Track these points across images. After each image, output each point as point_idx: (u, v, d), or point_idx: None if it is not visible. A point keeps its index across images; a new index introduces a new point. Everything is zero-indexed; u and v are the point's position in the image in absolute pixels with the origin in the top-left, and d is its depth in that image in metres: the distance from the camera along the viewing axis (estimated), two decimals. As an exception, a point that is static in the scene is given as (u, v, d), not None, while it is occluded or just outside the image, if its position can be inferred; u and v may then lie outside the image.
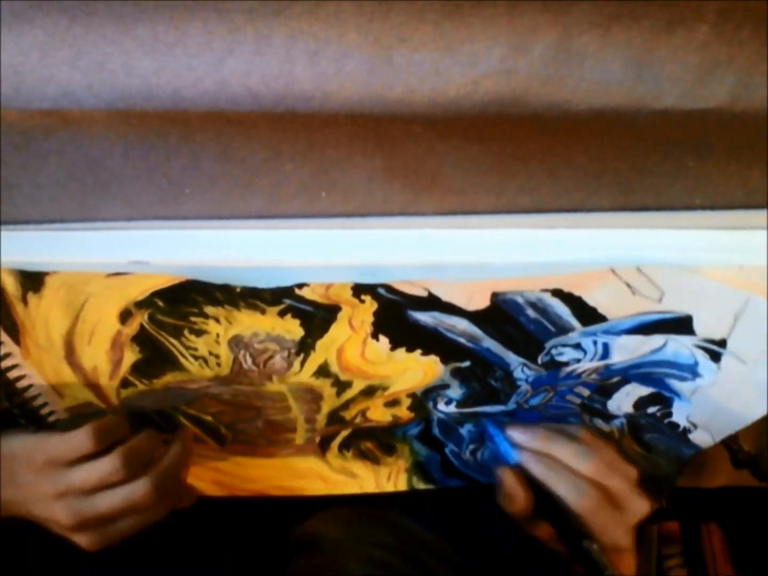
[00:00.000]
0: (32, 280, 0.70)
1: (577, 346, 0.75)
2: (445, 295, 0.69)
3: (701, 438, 0.85)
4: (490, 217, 0.67)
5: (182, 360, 0.79)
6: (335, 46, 0.52)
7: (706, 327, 0.70)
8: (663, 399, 0.82)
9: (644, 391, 0.82)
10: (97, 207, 0.66)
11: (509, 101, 0.55)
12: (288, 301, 0.71)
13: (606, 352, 0.76)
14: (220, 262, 0.67)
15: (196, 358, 0.78)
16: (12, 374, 0.78)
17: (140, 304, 0.72)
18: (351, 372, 0.80)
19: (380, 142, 0.61)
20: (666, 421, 0.85)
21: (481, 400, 0.85)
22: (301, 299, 0.70)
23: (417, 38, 0.51)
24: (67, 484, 0.79)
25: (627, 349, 0.75)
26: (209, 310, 0.73)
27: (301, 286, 0.69)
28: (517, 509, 0.86)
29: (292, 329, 0.74)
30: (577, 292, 0.68)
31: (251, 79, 0.54)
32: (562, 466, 0.84)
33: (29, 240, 0.68)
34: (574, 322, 0.72)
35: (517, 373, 0.81)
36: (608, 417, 0.87)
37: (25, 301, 0.71)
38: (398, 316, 0.72)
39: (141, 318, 0.74)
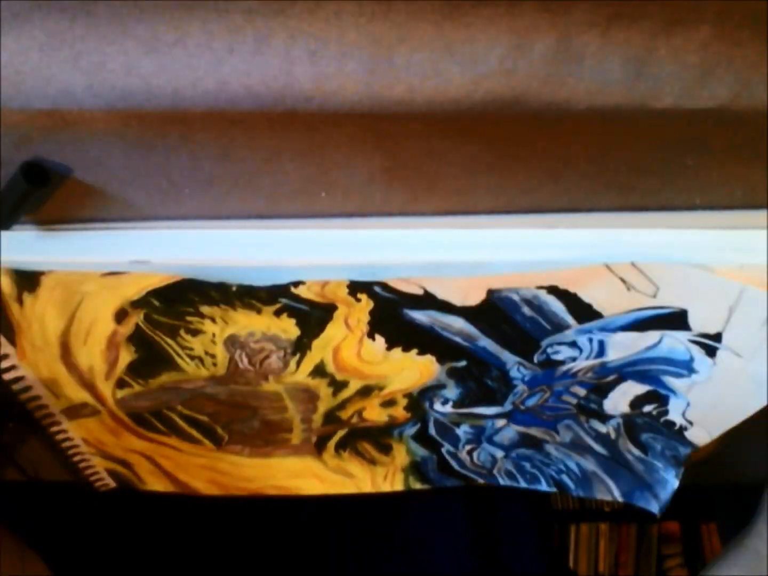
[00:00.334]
0: (28, 280, 0.70)
1: (573, 344, 0.76)
2: (441, 293, 0.70)
3: (698, 435, 0.85)
4: (490, 216, 0.67)
5: (178, 360, 0.79)
6: (335, 45, 0.53)
7: (701, 321, 0.71)
8: (659, 397, 0.83)
9: (640, 389, 0.82)
10: (97, 207, 0.67)
11: (509, 101, 0.56)
12: (284, 300, 0.71)
13: (602, 350, 0.76)
14: (219, 261, 0.68)
15: (192, 357, 0.79)
16: (8, 376, 0.79)
17: (136, 304, 0.72)
18: (347, 372, 0.81)
19: (380, 143, 0.62)
20: (662, 419, 0.85)
21: (477, 401, 0.86)
22: (297, 298, 0.71)
23: (417, 38, 0.52)
24: None
25: (622, 346, 0.75)
26: (205, 309, 0.73)
27: (297, 284, 0.69)
28: None
29: (288, 329, 0.75)
30: (572, 289, 0.69)
31: (251, 78, 0.55)
32: None
33: (29, 240, 0.68)
34: (570, 319, 0.72)
35: (513, 373, 0.81)
36: (604, 417, 0.88)
37: (20, 301, 0.72)
38: (394, 314, 0.73)
39: (137, 317, 0.74)
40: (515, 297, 0.71)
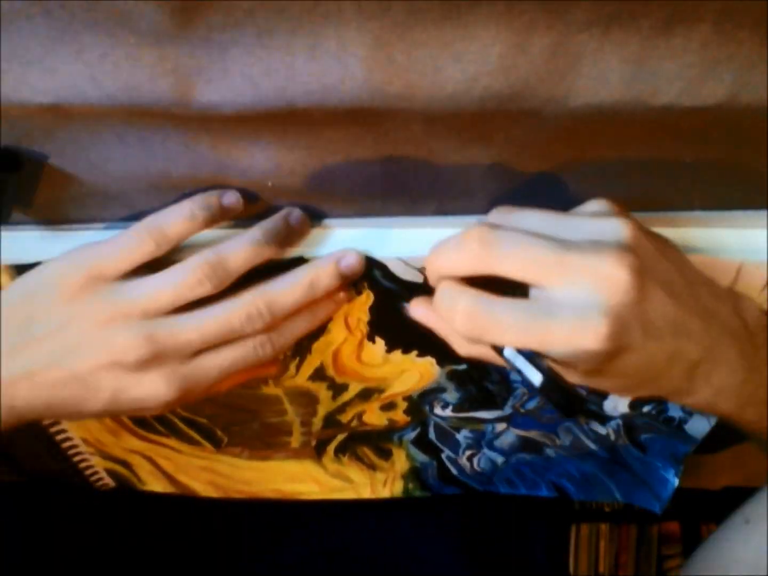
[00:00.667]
0: None
1: None
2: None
3: (698, 426, 0.85)
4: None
5: None
6: (335, 42, 0.52)
7: None
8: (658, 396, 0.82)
9: None
10: (97, 207, 0.67)
11: (507, 97, 0.56)
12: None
13: None
14: None
15: None
16: None
17: None
18: (347, 375, 0.81)
19: (379, 148, 0.62)
20: (661, 417, 0.85)
21: (477, 405, 0.86)
22: None
23: (416, 36, 0.52)
24: (127, 302, 0.62)
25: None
26: None
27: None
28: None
29: None
30: None
31: (253, 69, 0.54)
32: None
33: (30, 240, 0.69)
34: None
35: (514, 376, 0.81)
36: (604, 419, 0.87)
37: None
38: (394, 311, 0.73)
39: None
40: None
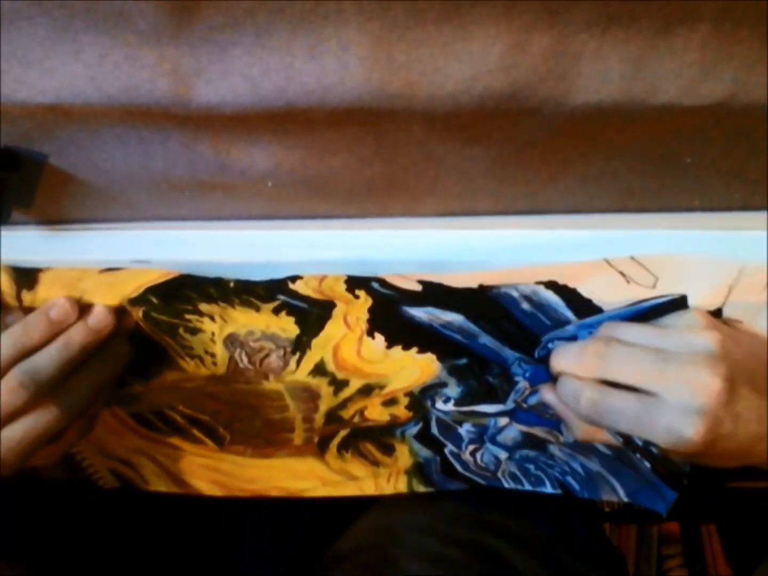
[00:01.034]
0: (26, 277, 0.70)
1: (573, 339, 0.75)
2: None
3: None
4: (489, 218, 0.68)
5: (178, 359, 0.79)
6: (335, 42, 0.53)
7: (700, 302, 0.71)
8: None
9: None
10: (97, 207, 0.68)
11: (507, 96, 0.56)
12: (282, 297, 0.72)
13: None
14: (222, 261, 0.69)
15: (192, 357, 0.79)
16: None
17: (134, 301, 0.73)
18: (347, 370, 0.81)
19: (379, 148, 0.62)
20: None
21: (479, 398, 0.86)
22: (295, 294, 0.71)
23: (416, 36, 0.53)
24: None
25: (623, 339, 0.75)
26: (203, 307, 0.73)
27: (294, 279, 0.70)
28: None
29: (287, 327, 0.75)
30: (571, 284, 0.70)
31: (252, 69, 0.55)
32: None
33: (30, 240, 0.70)
34: (570, 314, 0.73)
35: (515, 369, 0.81)
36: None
37: (19, 299, 0.72)
38: (393, 312, 0.73)
39: (136, 315, 0.74)
40: (514, 293, 0.71)
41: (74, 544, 0.87)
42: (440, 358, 0.80)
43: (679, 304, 0.71)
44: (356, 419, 0.88)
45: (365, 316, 0.74)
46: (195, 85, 0.56)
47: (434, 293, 0.71)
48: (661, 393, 0.65)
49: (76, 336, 0.69)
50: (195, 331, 0.76)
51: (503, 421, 0.89)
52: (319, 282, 0.70)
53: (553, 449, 0.92)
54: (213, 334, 0.76)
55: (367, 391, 0.84)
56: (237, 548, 0.97)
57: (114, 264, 0.69)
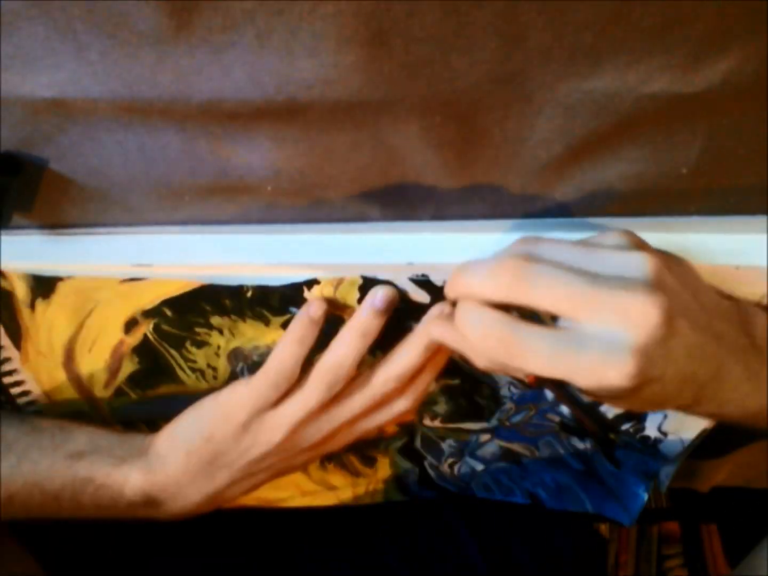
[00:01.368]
0: (44, 286, 0.70)
1: None
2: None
3: (671, 446, 0.85)
4: (487, 222, 0.67)
5: (179, 372, 0.79)
6: (334, 40, 0.53)
7: None
8: (638, 414, 0.82)
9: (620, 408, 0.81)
10: (99, 212, 0.68)
11: (503, 81, 0.56)
12: (294, 310, 0.71)
13: None
14: (221, 265, 0.69)
15: (193, 370, 0.78)
16: (7, 380, 0.79)
17: (148, 313, 0.72)
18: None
19: (378, 152, 0.62)
20: (638, 435, 0.85)
21: (465, 417, 0.85)
22: None
23: (416, 35, 0.53)
24: (290, 422, 0.73)
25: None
26: (215, 320, 0.73)
27: (311, 284, 0.69)
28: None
29: None
30: None
31: (253, 67, 0.55)
32: None
33: (32, 245, 0.70)
34: None
35: (504, 392, 0.81)
36: (584, 435, 0.89)
37: (32, 306, 0.72)
38: (397, 326, 0.72)
39: (146, 328, 0.74)
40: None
41: (71, 544, 0.87)
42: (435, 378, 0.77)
43: None
44: None
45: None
46: (195, 82, 0.55)
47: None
48: (585, 324, 0.55)
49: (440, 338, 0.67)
50: (202, 344, 0.76)
51: (485, 437, 0.89)
52: (334, 288, 0.69)
53: (527, 463, 0.94)
54: (218, 347, 0.76)
55: None
56: (219, 559, 0.97)
57: (115, 269, 0.70)
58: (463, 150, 0.62)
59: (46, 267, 0.70)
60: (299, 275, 0.70)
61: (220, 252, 0.69)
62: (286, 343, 0.70)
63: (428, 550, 1.00)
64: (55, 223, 0.69)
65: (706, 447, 0.86)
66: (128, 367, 0.79)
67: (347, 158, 0.62)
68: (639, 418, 0.84)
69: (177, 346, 0.76)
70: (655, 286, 0.55)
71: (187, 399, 0.80)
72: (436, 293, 0.69)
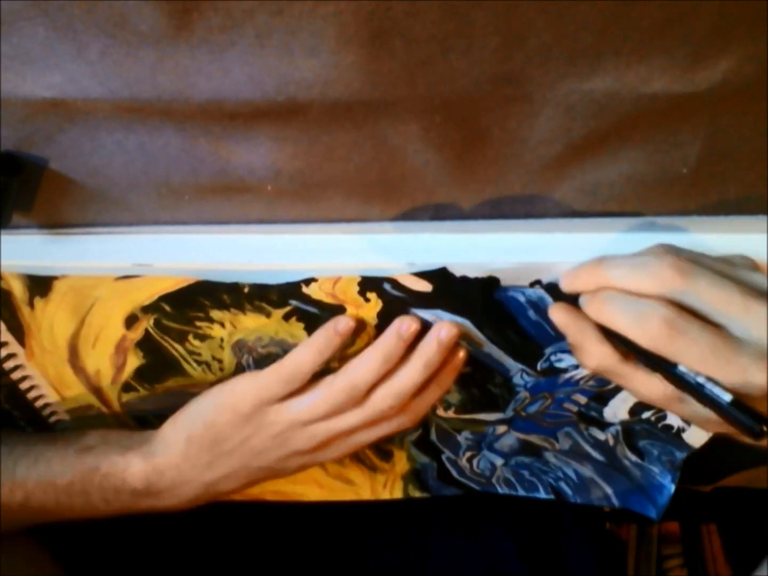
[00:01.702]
0: (40, 285, 0.70)
1: None
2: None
3: (696, 434, 0.85)
4: (487, 222, 0.67)
5: (185, 365, 0.79)
6: (334, 40, 0.53)
7: None
8: None
9: None
10: (99, 212, 0.68)
11: (503, 80, 0.57)
12: (294, 302, 0.71)
13: None
14: (222, 265, 0.68)
15: (199, 363, 0.79)
16: (15, 375, 0.79)
17: (147, 309, 0.72)
18: None
19: (378, 152, 0.62)
20: (660, 424, 0.85)
21: (479, 407, 0.85)
22: (308, 299, 0.71)
23: (415, 34, 0.53)
24: (293, 418, 0.76)
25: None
26: (215, 314, 0.73)
27: (309, 282, 0.69)
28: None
29: (296, 333, 0.75)
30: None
31: (253, 67, 0.55)
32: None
33: (32, 245, 0.70)
34: None
35: (517, 380, 0.81)
36: (604, 425, 0.88)
37: (31, 304, 0.72)
38: (402, 315, 0.72)
39: (146, 323, 0.74)
40: (521, 298, 0.70)
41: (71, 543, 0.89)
42: None
43: None
44: None
45: (374, 321, 0.73)
46: (195, 82, 0.56)
47: (443, 293, 0.70)
48: (742, 329, 0.59)
49: (435, 357, 0.74)
50: (204, 337, 0.76)
51: (501, 428, 0.89)
52: (333, 284, 0.70)
53: (548, 456, 0.94)
54: (222, 340, 0.76)
55: None
56: (235, 552, 0.99)
57: (116, 268, 0.70)
58: (463, 150, 0.62)
59: (46, 267, 0.70)
60: (297, 273, 0.70)
61: (220, 252, 0.69)
62: (306, 348, 0.73)
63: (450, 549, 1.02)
64: (55, 223, 0.69)
65: (697, 474, 0.87)
66: (134, 361, 0.79)
67: (347, 158, 0.63)
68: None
69: (179, 340, 0.77)
70: None
71: (196, 392, 0.81)
72: (438, 282, 0.70)
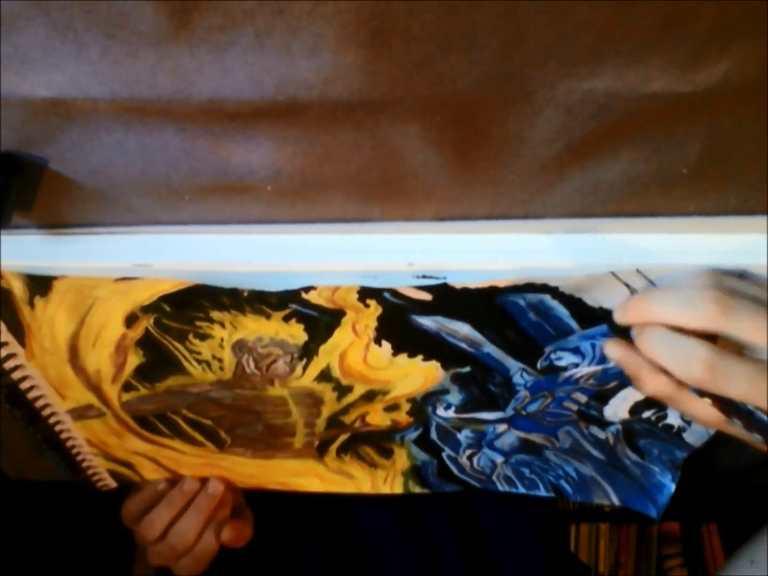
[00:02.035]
0: (40, 284, 0.70)
1: (576, 351, 0.75)
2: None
3: (696, 434, 0.85)
4: (487, 222, 0.67)
5: (185, 364, 0.79)
6: (334, 43, 0.54)
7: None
8: (658, 402, 0.83)
9: (640, 395, 0.82)
10: (99, 212, 0.68)
11: (502, 80, 0.57)
12: (294, 306, 0.71)
13: (604, 356, 0.75)
14: (222, 266, 0.68)
15: (199, 362, 0.79)
16: (15, 375, 0.80)
17: (147, 309, 0.72)
18: (352, 377, 0.81)
19: (378, 152, 0.62)
20: (661, 423, 0.85)
21: (479, 406, 0.86)
22: (307, 303, 0.71)
23: (415, 34, 0.53)
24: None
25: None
26: (215, 314, 0.73)
27: (308, 289, 0.69)
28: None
29: (296, 334, 0.75)
30: (577, 294, 0.69)
31: (253, 67, 0.55)
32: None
33: (32, 245, 0.69)
34: (573, 324, 0.72)
35: (517, 379, 0.81)
36: (604, 424, 0.88)
37: (31, 304, 0.72)
38: (401, 320, 0.72)
39: (147, 322, 0.74)
40: (521, 302, 0.70)
41: (72, 544, 0.91)
42: (444, 366, 0.79)
43: None
44: (357, 424, 0.89)
45: (374, 324, 0.74)
46: (195, 82, 0.56)
47: (444, 301, 0.70)
48: None
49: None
50: (204, 336, 0.76)
51: (502, 427, 0.90)
52: (332, 292, 0.70)
53: (549, 454, 0.95)
54: (222, 339, 0.77)
55: (370, 396, 0.84)
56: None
57: (115, 269, 0.70)
58: (463, 150, 0.62)
59: (46, 267, 0.70)
60: (297, 274, 0.70)
61: (220, 252, 0.69)
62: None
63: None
64: (55, 223, 0.69)
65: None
66: (134, 360, 0.80)
67: (347, 158, 0.63)
68: (660, 406, 0.84)
69: (180, 339, 0.77)
70: None
71: (196, 392, 0.81)
72: (438, 293, 0.70)
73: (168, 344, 0.77)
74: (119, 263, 0.69)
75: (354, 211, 0.68)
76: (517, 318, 0.72)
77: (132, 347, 0.78)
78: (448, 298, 0.70)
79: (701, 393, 0.64)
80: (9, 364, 0.79)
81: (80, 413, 0.86)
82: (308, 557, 1.05)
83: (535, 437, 0.92)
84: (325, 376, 0.81)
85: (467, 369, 0.80)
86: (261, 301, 0.72)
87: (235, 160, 0.63)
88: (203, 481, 0.97)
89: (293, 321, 0.74)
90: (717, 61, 0.55)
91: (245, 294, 0.71)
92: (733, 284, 0.62)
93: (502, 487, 0.99)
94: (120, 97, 0.58)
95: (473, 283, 0.68)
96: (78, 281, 0.71)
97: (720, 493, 1.09)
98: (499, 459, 0.95)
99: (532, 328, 0.73)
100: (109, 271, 0.70)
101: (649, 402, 0.83)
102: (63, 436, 0.89)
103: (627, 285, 0.67)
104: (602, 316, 0.71)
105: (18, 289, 0.71)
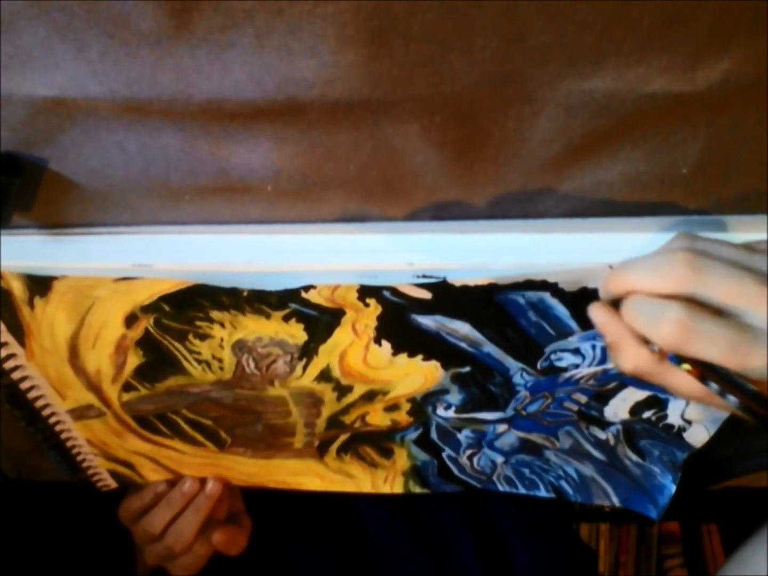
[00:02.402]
0: (40, 285, 0.70)
1: (576, 351, 0.75)
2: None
3: (697, 434, 0.85)
4: (488, 222, 0.67)
5: (185, 364, 0.79)
6: (334, 43, 0.54)
7: None
8: (658, 401, 0.82)
9: (640, 395, 0.82)
10: (99, 212, 0.68)
11: (501, 80, 0.57)
12: (293, 305, 0.71)
13: (604, 357, 0.76)
14: (222, 266, 0.68)
15: (199, 362, 0.79)
16: (15, 375, 0.79)
17: (146, 309, 0.72)
18: (352, 377, 0.81)
19: (378, 152, 0.62)
20: (661, 424, 0.85)
21: (479, 406, 0.86)
22: (307, 303, 0.71)
23: (415, 34, 0.53)
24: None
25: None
26: (215, 314, 0.73)
27: (307, 288, 0.69)
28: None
29: (296, 334, 0.75)
30: (576, 288, 0.69)
31: (253, 67, 0.56)
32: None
33: (32, 245, 0.70)
34: (574, 325, 0.72)
35: (517, 379, 0.81)
36: (604, 424, 0.88)
37: (31, 304, 0.72)
38: (401, 320, 0.72)
39: (146, 322, 0.74)
40: (521, 300, 0.70)
41: (73, 544, 0.91)
42: (444, 366, 0.79)
43: None
44: (357, 424, 0.89)
45: (373, 323, 0.74)
46: (195, 82, 0.56)
47: (443, 300, 0.70)
48: (759, 319, 0.58)
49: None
50: (204, 336, 0.76)
51: (502, 427, 0.90)
52: (332, 291, 0.70)
53: (549, 454, 0.95)
54: (222, 339, 0.77)
55: (370, 396, 0.84)
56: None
57: (115, 269, 0.70)
58: (463, 150, 0.62)
59: (46, 267, 0.70)
60: (297, 274, 0.70)
61: (220, 252, 0.69)
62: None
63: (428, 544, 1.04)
64: (55, 223, 0.69)
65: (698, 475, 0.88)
66: (134, 360, 0.79)
67: (347, 158, 0.63)
68: (661, 406, 0.84)
69: (180, 339, 0.77)
70: None
71: (196, 392, 0.81)
72: (438, 291, 0.70)
73: (168, 344, 0.77)
74: (119, 263, 0.70)
75: (354, 211, 0.68)
76: (517, 317, 0.72)
77: (132, 347, 0.78)
78: (447, 296, 0.70)
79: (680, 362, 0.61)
80: (9, 364, 0.79)
81: (80, 413, 0.86)
82: (309, 557, 1.04)
83: (536, 437, 0.92)
84: (325, 376, 0.81)
85: (467, 369, 0.80)
86: (261, 301, 0.72)
87: (235, 160, 0.63)
88: (203, 481, 0.96)
89: (293, 321, 0.74)
90: (717, 60, 0.55)
91: (245, 294, 0.71)
92: (705, 246, 0.61)
93: (502, 487, 0.99)
94: (120, 97, 0.58)
95: (473, 280, 0.68)
96: (78, 281, 0.71)
97: (720, 493, 1.08)
98: (500, 459, 0.95)
99: (532, 327, 0.73)
100: (109, 271, 0.70)
101: (650, 402, 0.83)
102: (63, 436, 0.88)
103: None
104: None
105: (18, 289, 0.71)
